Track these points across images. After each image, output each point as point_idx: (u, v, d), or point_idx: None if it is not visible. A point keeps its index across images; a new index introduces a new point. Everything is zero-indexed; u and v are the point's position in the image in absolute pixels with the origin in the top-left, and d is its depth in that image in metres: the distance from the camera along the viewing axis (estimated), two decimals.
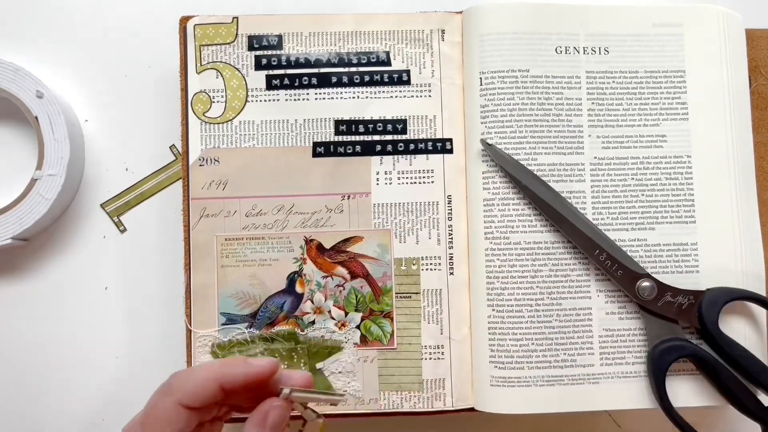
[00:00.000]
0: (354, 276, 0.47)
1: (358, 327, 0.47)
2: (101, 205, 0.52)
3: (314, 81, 0.48)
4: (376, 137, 0.48)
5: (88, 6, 0.53)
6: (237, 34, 0.48)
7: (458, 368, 0.47)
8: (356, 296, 0.47)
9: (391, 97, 0.48)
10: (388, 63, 0.48)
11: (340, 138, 0.48)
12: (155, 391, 0.39)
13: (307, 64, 0.48)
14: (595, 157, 0.47)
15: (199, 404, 0.37)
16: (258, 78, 0.48)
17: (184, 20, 0.48)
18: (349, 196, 0.47)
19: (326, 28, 0.48)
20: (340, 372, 0.46)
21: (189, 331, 0.46)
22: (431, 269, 0.47)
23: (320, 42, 0.48)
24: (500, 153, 0.46)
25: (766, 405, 0.45)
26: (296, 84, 0.48)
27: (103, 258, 0.51)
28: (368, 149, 0.48)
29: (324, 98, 0.48)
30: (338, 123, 0.48)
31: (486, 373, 0.46)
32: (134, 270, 0.51)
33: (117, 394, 0.51)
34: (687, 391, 0.46)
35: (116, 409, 0.50)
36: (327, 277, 0.47)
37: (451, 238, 0.47)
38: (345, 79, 0.48)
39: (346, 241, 0.47)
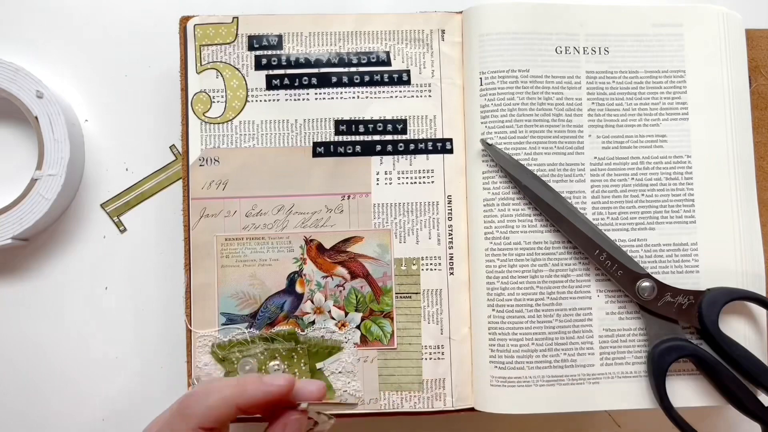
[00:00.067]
0: (354, 276, 0.47)
1: (358, 327, 0.47)
2: (101, 205, 0.52)
3: (314, 81, 0.48)
4: (376, 137, 0.48)
5: (88, 6, 0.53)
6: (237, 34, 0.48)
7: (458, 368, 0.47)
8: (356, 296, 0.47)
9: (391, 97, 0.48)
10: (388, 63, 0.48)
11: (340, 138, 0.48)
12: (169, 413, 0.38)
13: (307, 64, 0.48)
14: (595, 157, 0.47)
15: (218, 426, 0.37)
16: (258, 78, 0.48)
17: (184, 20, 0.48)
18: (349, 196, 0.47)
19: (326, 28, 0.48)
20: (340, 372, 0.46)
21: (189, 331, 0.46)
22: (431, 269, 0.47)
23: (320, 42, 0.48)
24: (500, 153, 0.46)
25: (766, 405, 0.45)
26: (296, 84, 0.48)
27: (103, 258, 0.51)
28: (368, 149, 0.48)
29: (324, 98, 0.48)
30: (338, 123, 0.48)
31: (486, 373, 0.46)
32: (134, 270, 0.51)
33: (117, 394, 0.51)
34: (687, 391, 0.46)
35: (116, 409, 0.50)
36: (327, 277, 0.47)
37: (451, 238, 0.47)
38: (345, 79, 0.48)
39: (346, 241, 0.47)
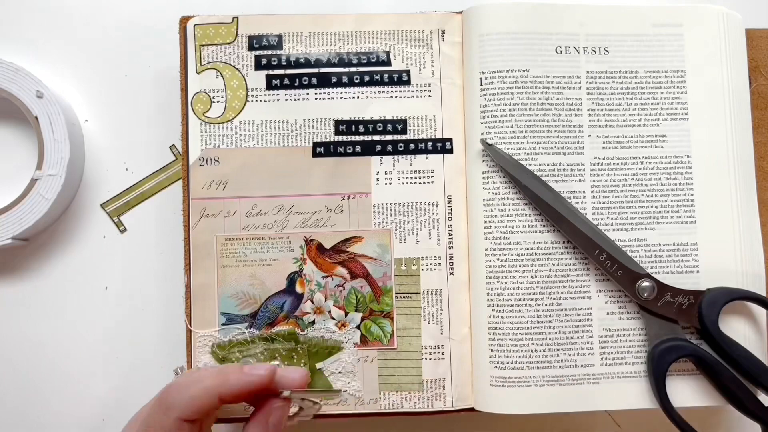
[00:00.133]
0: (354, 276, 0.47)
1: (358, 327, 0.47)
2: (101, 205, 0.52)
3: (314, 81, 0.48)
4: (376, 137, 0.48)
5: (88, 6, 0.53)
6: (237, 34, 0.48)
7: (458, 368, 0.47)
8: (356, 296, 0.47)
9: (391, 97, 0.48)
10: (388, 63, 0.48)
11: (340, 138, 0.48)
12: (151, 405, 0.38)
13: (307, 64, 0.48)
14: (595, 157, 0.47)
15: (199, 416, 0.37)
16: (258, 78, 0.48)
17: (184, 20, 0.48)
18: (349, 196, 0.47)
19: (326, 28, 0.48)
20: (340, 372, 0.46)
21: (189, 331, 0.46)
22: (431, 269, 0.47)
23: (320, 42, 0.48)
24: (500, 153, 0.46)
25: (766, 405, 0.45)
26: (296, 84, 0.48)
27: (103, 258, 0.51)
28: (368, 149, 0.48)
29: (324, 98, 0.48)
30: (338, 123, 0.48)
31: (486, 373, 0.46)
32: (134, 270, 0.51)
33: (117, 394, 0.51)
34: (687, 391, 0.46)
35: (116, 408, 0.50)
36: (327, 277, 0.47)
37: (451, 238, 0.47)
38: (345, 79, 0.48)
39: (346, 241, 0.47)
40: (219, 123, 0.47)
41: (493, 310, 0.46)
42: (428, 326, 0.47)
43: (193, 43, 0.48)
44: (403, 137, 0.48)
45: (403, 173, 0.48)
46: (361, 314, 0.47)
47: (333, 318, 0.47)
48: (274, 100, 0.48)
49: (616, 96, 0.48)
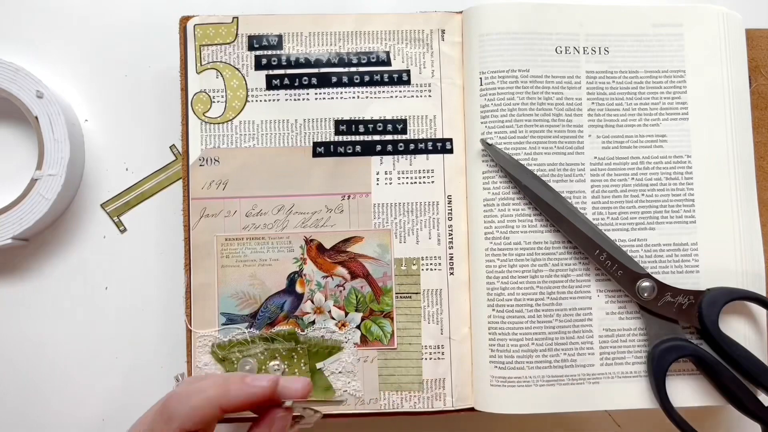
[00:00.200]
0: (354, 276, 0.47)
1: (358, 327, 0.47)
2: (101, 205, 0.52)
3: (314, 81, 0.48)
4: (376, 137, 0.48)
5: (88, 6, 0.53)
6: (237, 34, 0.48)
7: (458, 368, 0.47)
8: (356, 296, 0.47)
9: (391, 97, 0.48)
10: (388, 63, 0.48)
11: (340, 138, 0.48)
12: (152, 414, 0.38)
13: (307, 64, 0.48)
14: (595, 157, 0.47)
15: (200, 427, 0.37)
16: (258, 78, 0.48)
17: (184, 20, 0.48)
18: (349, 196, 0.47)
19: (326, 28, 0.48)
20: (340, 372, 0.46)
21: (189, 331, 0.46)
22: (431, 269, 0.47)
23: (320, 42, 0.48)
24: (500, 153, 0.46)
25: (766, 405, 0.45)
26: (296, 84, 0.48)
27: (103, 258, 0.51)
28: (368, 149, 0.48)
29: (324, 98, 0.48)
30: (338, 123, 0.48)
31: (486, 373, 0.46)
32: (134, 270, 0.51)
33: (117, 394, 0.51)
34: (687, 391, 0.46)
35: (116, 409, 0.50)
36: (327, 277, 0.47)
37: (451, 238, 0.47)
38: (345, 79, 0.48)
39: (346, 241, 0.47)
40: (219, 123, 0.48)
41: (493, 310, 0.46)
42: (428, 326, 0.47)
43: (193, 43, 0.48)
44: (403, 137, 0.48)
45: (403, 173, 0.48)
46: (361, 314, 0.47)
47: (333, 318, 0.47)
48: (274, 100, 0.48)
49: (616, 96, 0.48)
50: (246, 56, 0.48)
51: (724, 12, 0.48)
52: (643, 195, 0.47)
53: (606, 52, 0.48)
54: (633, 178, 0.47)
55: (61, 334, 0.51)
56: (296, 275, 0.47)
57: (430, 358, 0.47)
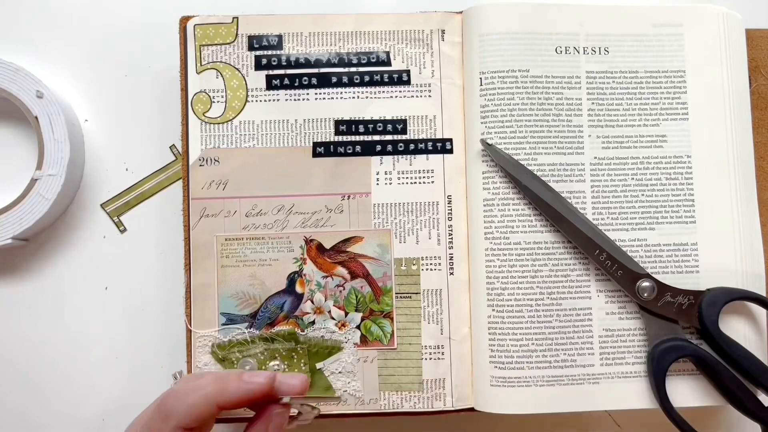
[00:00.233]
0: (354, 276, 0.47)
1: (358, 327, 0.47)
2: (101, 205, 0.52)
3: (314, 81, 0.48)
4: (376, 137, 0.48)
5: (88, 6, 0.53)
6: (237, 34, 0.48)
7: (458, 368, 0.47)
8: (356, 296, 0.47)
9: (391, 97, 0.48)
10: (388, 63, 0.48)
11: (340, 138, 0.48)
12: (150, 412, 0.38)
13: (307, 64, 0.48)
14: (595, 157, 0.47)
15: (198, 425, 0.37)
16: (258, 78, 0.48)
17: (184, 20, 0.48)
18: (349, 196, 0.47)
19: (326, 28, 0.48)
20: (340, 372, 0.46)
21: (189, 331, 0.46)
22: (431, 269, 0.47)
23: (320, 42, 0.48)
24: (500, 153, 0.46)
25: (766, 405, 0.45)
26: (296, 84, 0.48)
27: (103, 258, 0.51)
28: (368, 149, 0.48)
29: (324, 98, 0.48)
30: (338, 123, 0.48)
31: (486, 373, 0.46)
32: (134, 270, 0.51)
33: (117, 394, 0.51)
34: (687, 391, 0.46)
35: (116, 409, 0.50)
36: (327, 277, 0.47)
37: (451, 238, 0.47)
38: (345, 79, 0.48)
39: (346, 241, 0.47)
40: (219, 123, 0.48)
41: (493, 310, 0.46)
42: (428, 326, 0.47)
43: (193, 43, 0.48)
44: (403, 137, 0.48)
45: (403, 173, 0.48)
46: (361, 314, 0.47)
47: (333, 318, 0.47)
48: (274, 100, 0.48)
49: (616, 96, 0.48)
50: (246, 56, 0.48)
51: (724, 12, 0.48)
52: (643, 195, 0.47)
53: (606, 52, 0.48)
54: (633, 178, 0.47)
55: (61, 334, 0.51)
56: (296, 275, 0.47)
57: (430, 358, 0.47)
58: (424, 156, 0.48)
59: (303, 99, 0.48)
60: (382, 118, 0.48)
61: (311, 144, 0.48)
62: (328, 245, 0.47)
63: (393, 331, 0.47)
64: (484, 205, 0.46)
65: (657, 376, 0.44)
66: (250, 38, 0.48)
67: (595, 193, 0.47)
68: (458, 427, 0.51)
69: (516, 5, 0.47)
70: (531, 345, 0.45)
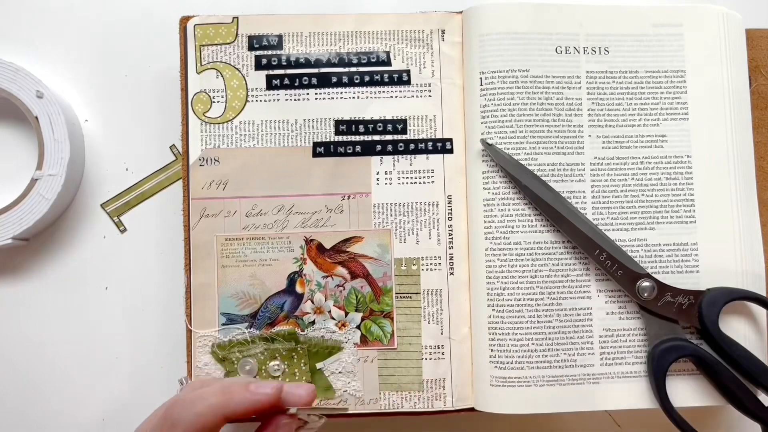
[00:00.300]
0: (354, 276, 0.47)
1: (358, 327, 0.47)
2: (101, 205, 0.52)
3: (314, 81, 0.48)
4: (376, 137, 0.48)
5: (88, 6, 0.53)
6: (237, 34, 0.48)
7: (458, 368, 0.47)
8: (356, 296, 0.47)
9: (391, 97, 0.48)
10: (388, 63, 0.48)
11: (340, 138, 0.48)
12: (156, 419, 0.38)
13: (307, 64, 0.48)
14: (595, 157, 0.47)
15: None
16: (258, 78, 0.48)
17: (184, 20, 0.48)
18: (349, 196, 0.47)
19: (326, 28, 0.48)
20: (340, 372, 0.46)
21: (189, 331, 0.46)
22: (431, 269, 0.47)
23: (320, 42, 0.48)
24: (500, 153, 0.46)
25: (766, 405, 0.45)
26: (296, 84, 0.48)
27: (103, 258, 0.51)
28: (368, 149, 0.48)
29: (324, 98, 0.48)
30: (338, 123, 0.48)
31: (486, 373, 0.46)
32: (134, 270, 0.51)
33: (117, 394, 0.51)
34: (687, 391, 0.46)
35: (116, 409, 0.50)
36: (327, 277, 0.47)
37: (451, 238, 0.47)
38: (345, 79, 0.48)
39: (346, 241, 0.47)
40: (219, 123, 0.48)
41: (493, 310, 0.46)
42: (428, 326, 0.47)
43: (193, 43, 0.48)
44: (403, 137, 0.48)
45: (403, 173, 0.48)
46: (361, 314, 0.47)
47: (333, 318, 0.47)
48: (274, 100, 0.48)
49: (616, 96, 0.48)
50: (246, 56, 0.48)
51: (724, 12, 0.48)
52: (643, 195, 0.47)
53: (606, 52, 0.48)
54: (633, 178, 0.47)
55: (61, 334, 0.51)
56: (296, 275, 0.47)
57: (430, 358, 0.47)
58: (424, 156, 0.48)
59: (303, 99, 0.48)
60: (382, 118, 0.48)
61: (311, 144, 0.48)
62: (328, 245, 0.47)
63: (393, 331, 0.47)
64: (484, 205, 0.46)
65: (657, 376, 0.44)
66: (250, 38, 0.48)
67: (595, 193, 0.47)
68: (458, 427, 0.51)
69: (516, 5, 0.47)
70: (531, 345, 0.45)
